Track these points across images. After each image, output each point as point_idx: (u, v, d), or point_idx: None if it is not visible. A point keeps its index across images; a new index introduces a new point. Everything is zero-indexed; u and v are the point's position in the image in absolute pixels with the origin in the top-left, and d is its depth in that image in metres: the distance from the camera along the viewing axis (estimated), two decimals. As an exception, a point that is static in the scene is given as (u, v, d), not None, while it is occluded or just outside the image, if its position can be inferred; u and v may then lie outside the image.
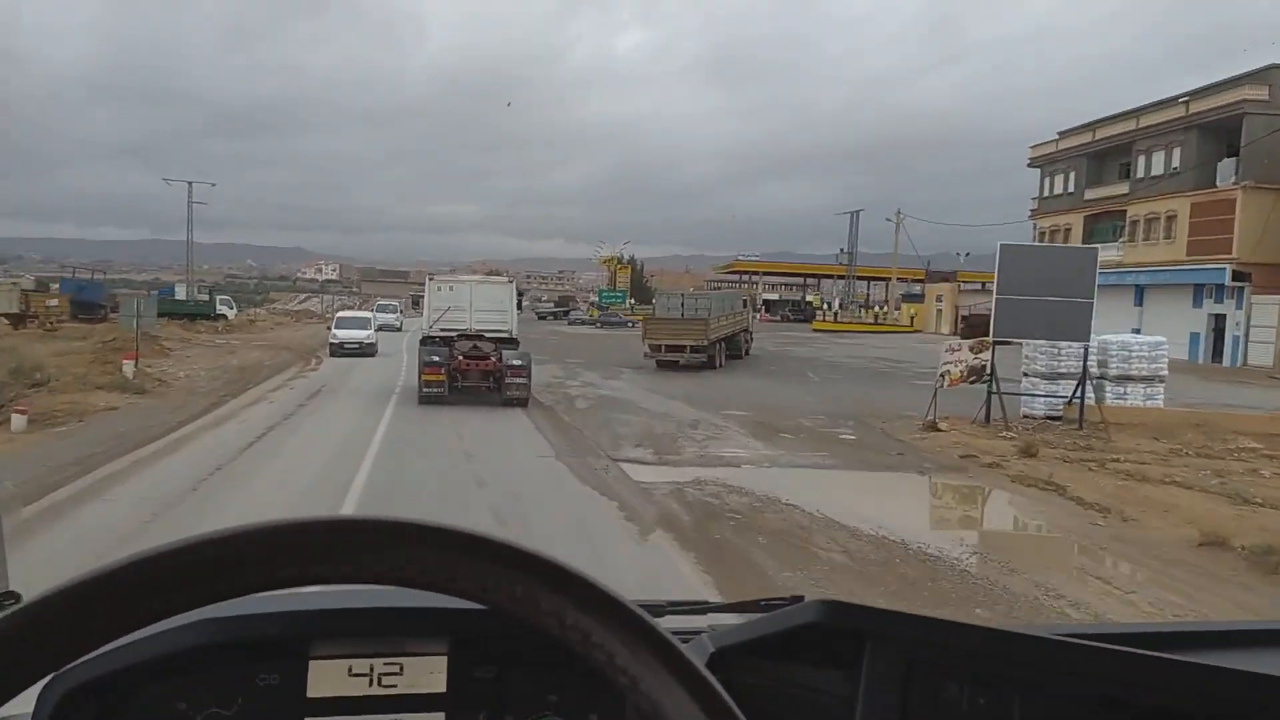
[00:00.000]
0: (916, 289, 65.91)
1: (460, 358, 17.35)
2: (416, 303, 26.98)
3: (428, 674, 1.05)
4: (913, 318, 61.97)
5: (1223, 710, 0.86)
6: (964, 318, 50.34)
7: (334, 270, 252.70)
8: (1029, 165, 48.25)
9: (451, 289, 18.79)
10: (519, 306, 19.59)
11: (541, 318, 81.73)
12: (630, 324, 61.51)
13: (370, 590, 0.95)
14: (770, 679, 1.02)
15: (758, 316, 50.88)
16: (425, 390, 16.94)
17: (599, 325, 65.08)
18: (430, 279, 19.45)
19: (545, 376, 22.37)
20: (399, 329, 44.49)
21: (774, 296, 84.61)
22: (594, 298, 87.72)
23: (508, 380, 16.89)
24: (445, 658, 1.05)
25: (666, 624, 1.10)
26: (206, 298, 53.39)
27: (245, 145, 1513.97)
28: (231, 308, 55.64)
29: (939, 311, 60.94)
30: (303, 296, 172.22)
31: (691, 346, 26.99)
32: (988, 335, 16.71)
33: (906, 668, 0.92)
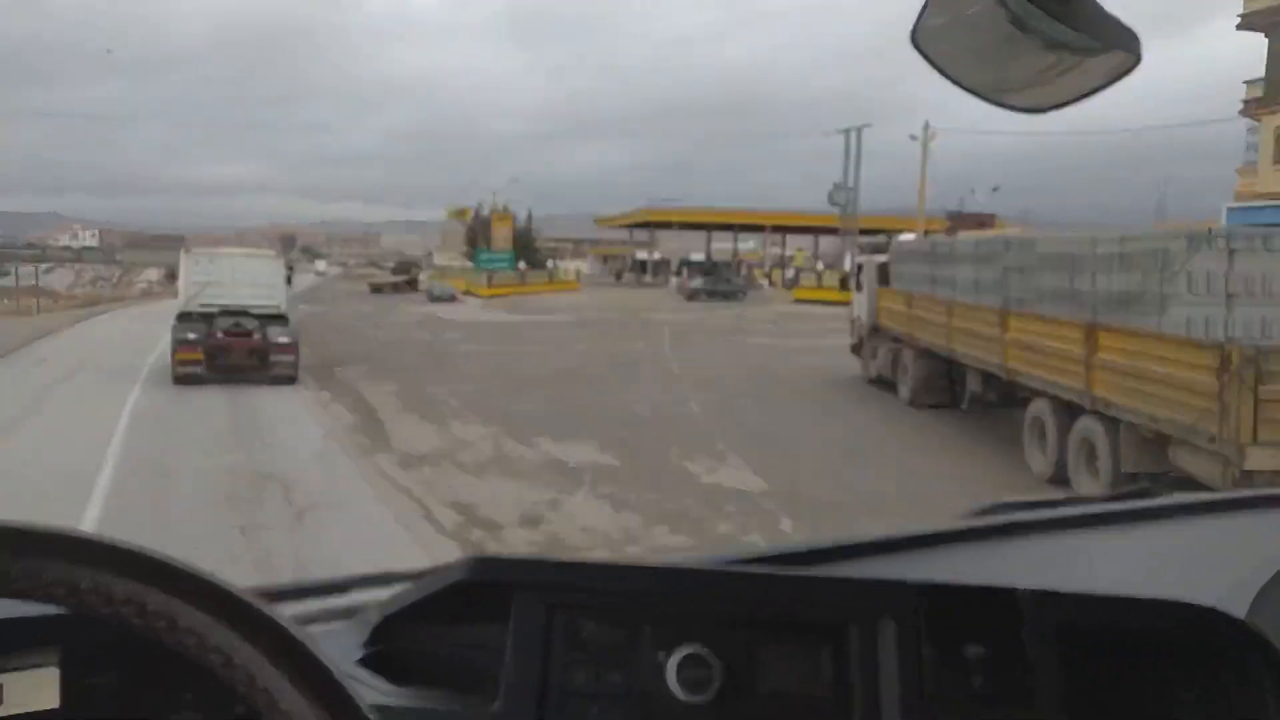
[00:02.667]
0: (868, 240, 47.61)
1: (220, 335, 16.66)
2: (173, 276, 24.60)
3: (35, 690, 0.91)
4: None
5: (842, 616, 0.95)
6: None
7: (93, 235, 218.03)
8: (1239, 28, 29.81)
9: (211, 262, 18.06)
10: (288, 280, 18.84)
11: (377, 290, 58.93)
12: (743, 293, 43.91)
13: None
14: (430, 642, 1.03)
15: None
16: (180, 370, 16.37)
17: (702, 296, 44.88)
18: (186, 252, 19.04)
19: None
20: None
21: (698, 256, 65.05)
22: (438, 259, 66.19)
23: (273, 358, 16.56)
24: (56, 669, 0.93)
25: (323, 603, 1.17)
26: None
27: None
28: None
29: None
30: (45, 267, 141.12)
31: None
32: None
33: (548, 612, 0.95)
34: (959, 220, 45.83)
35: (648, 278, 70.25)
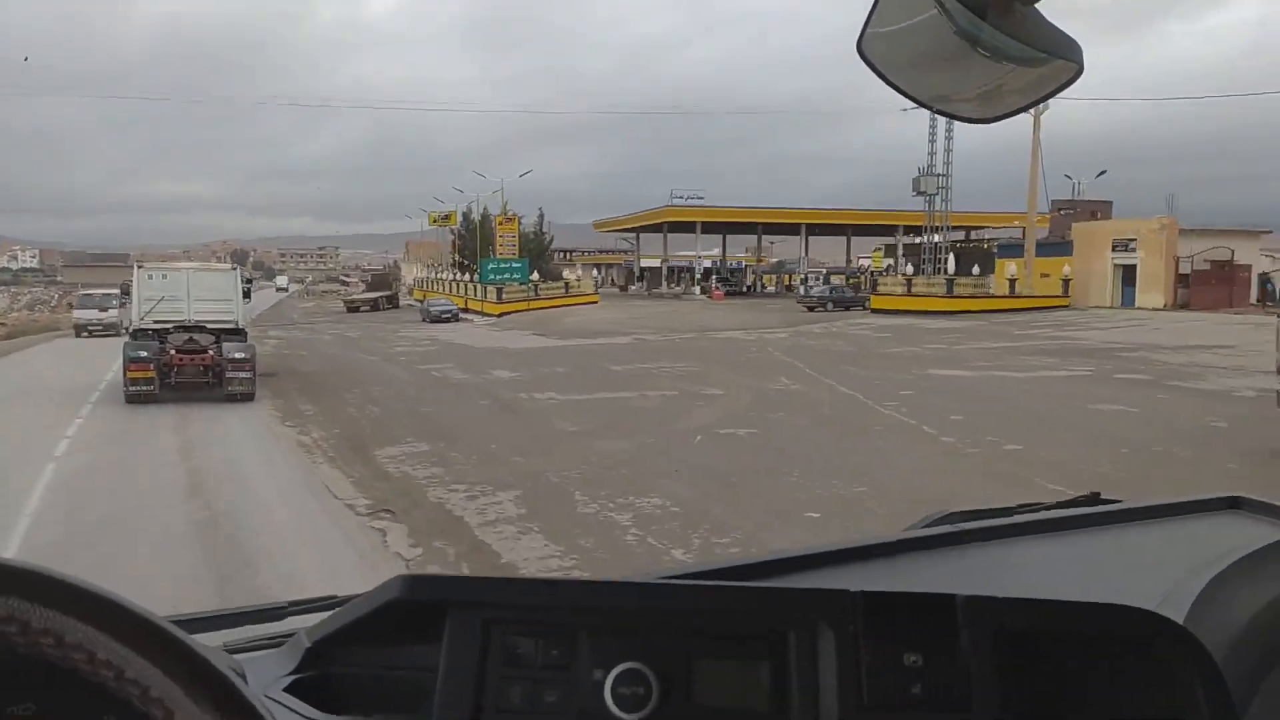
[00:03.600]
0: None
1: (173, 352, 16.06)
2: (126, 292, 20.91)
3: None
4: (1013, 281, 36.96)
5: (780, 625, 0.94)
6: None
7: (33, 256, 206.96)
8: None
9: (165, 277, 17.36)
10: (246, 295, 18.08)
11: (354, 309, 50.99)
12: (864, 303, 38.00)
13: None
14: (363, 665, 1.00)
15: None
16: (131, 389, 15.51)
17: (828, 306, 39.23)
18: (139, 266, 17.96)
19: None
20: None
21: (707, 262, 57.55)
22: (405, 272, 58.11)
23: (229, 374, 15.76)
24: None
25: (255, 629, 1.17)
26: None
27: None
28: None
29: (1118, 268, 36.50)
30: None
31: None
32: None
33: (483, 629, 0.94)
34: (1070, 210, 39.07)
35: (663, 287, 62.70)
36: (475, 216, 57.90)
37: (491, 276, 42.99)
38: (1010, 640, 0.94)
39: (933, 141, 38.79)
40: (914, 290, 36.68)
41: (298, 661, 1.00)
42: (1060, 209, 40.33)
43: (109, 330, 31.39)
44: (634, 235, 64.84)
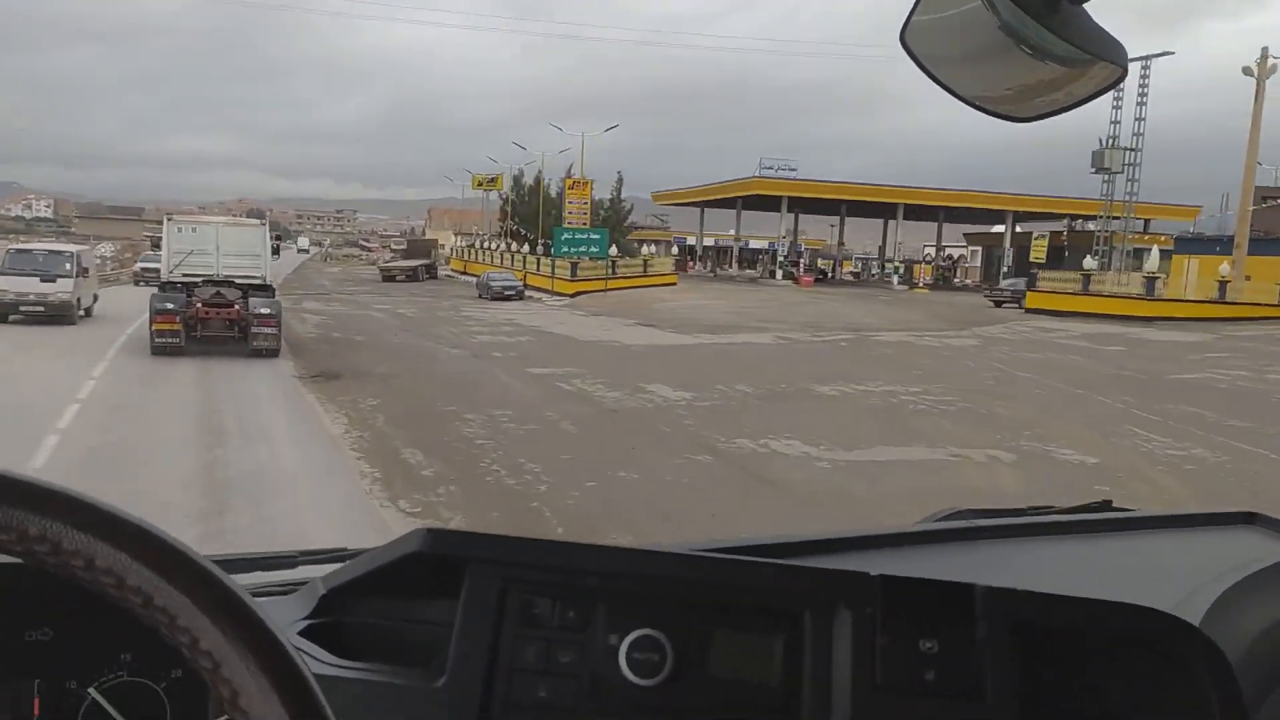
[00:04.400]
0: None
1: (199, 305, 15.87)
2: (156, 245, 22.34)
3: None
4: (1223, 283, 29.86)
5: (798, 604, 0.94)
6: None
7: (47, 206, 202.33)
8: None
9: (194, 230, 17.01)
10: (275, 252, 18.25)
11: (389, 278, 45.31)
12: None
13: None
14: (378, 615, 1.00)
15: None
16: (157, 340, 15.33)
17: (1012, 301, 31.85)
18: (169, 219, 17.53)
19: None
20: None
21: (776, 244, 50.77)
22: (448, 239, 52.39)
23: (255, 329, 15.49)
24: None
25: (268, 576, 1.18)
26: None
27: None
28: None
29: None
30: None
31: None
32: None
33: (501, 588, 0.93)
34: (1277, 200, 32.57)
35: (731, 269, 56.28)
36: (533, 180, 51.19)
37: (565, 249, 36.20)
38: (1026, 633, 0.94)
39: (1117, 109, 32.03)
40: (1093, 288, 30.01)
41: (312, 608, 0.99)
42: (1265, 197, 33.65)
43: (51, 314, 19.13)
44: (697, 210, 58.10)
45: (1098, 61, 0.74)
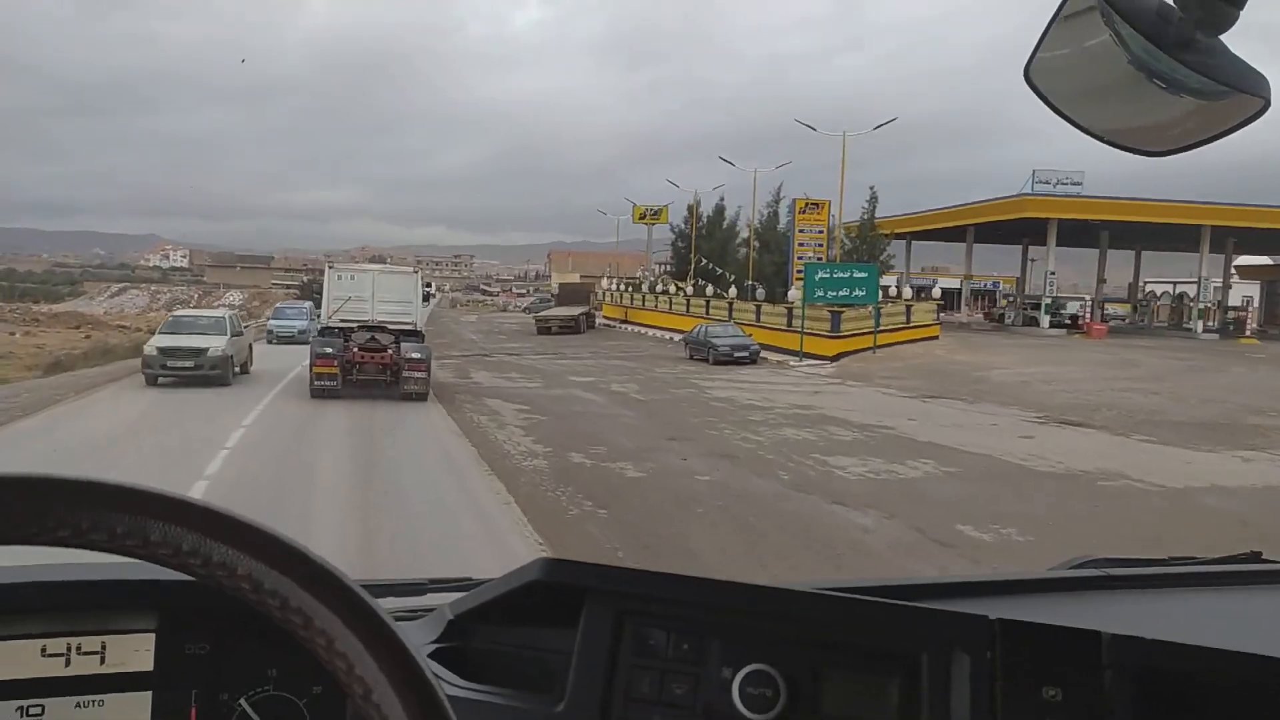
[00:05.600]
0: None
1: (355, 350, 16.19)
2: (312, 293, 23.49)
3: (133, 652, 0.99)
4: None
5: (915, 646, 0.92)
6: None
7: (183, 256, 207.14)
8: None
9: (353, 278, 17.36)
10: (426, 299, 19.40)
11: (545, 329, 37.46)
12: None
13: (66, 564, 0.93)
14: (500, 641, 1.02)
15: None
16: (316, 384, 15.78)
17: None
18: (330, 267, 18.11)
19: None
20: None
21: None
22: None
23: (405, 374, 15.83)
24: (153, 635, 0.99)
25: (398, 602, 1.22)
26: None
27: (98, 124, 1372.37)
28: None
29: None
30: (118, 287, 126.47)
31: None
32: None
33: (618, 618, 0.94)
34: None
35: (962, 313, 45.33)
36: (711, 211, 42.27)
37: (820, 293, 26.21)
38: (1156, 683, 0.90)
39: None
40: None
41: (440, 632, 1.03)
42: None
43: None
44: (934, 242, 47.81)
45: (1236, 94, 0.70)
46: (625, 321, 45.27)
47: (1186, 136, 0.75)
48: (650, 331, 39.75)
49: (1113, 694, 0.89)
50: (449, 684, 0.93)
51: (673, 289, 42.80)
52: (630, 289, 49.00)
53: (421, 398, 15.54)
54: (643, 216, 52.09)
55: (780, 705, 0.90)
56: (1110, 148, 0.77)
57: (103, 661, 0.96)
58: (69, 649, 0.96)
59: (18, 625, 0.95)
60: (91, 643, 0.97)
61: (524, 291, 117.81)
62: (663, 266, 54.55)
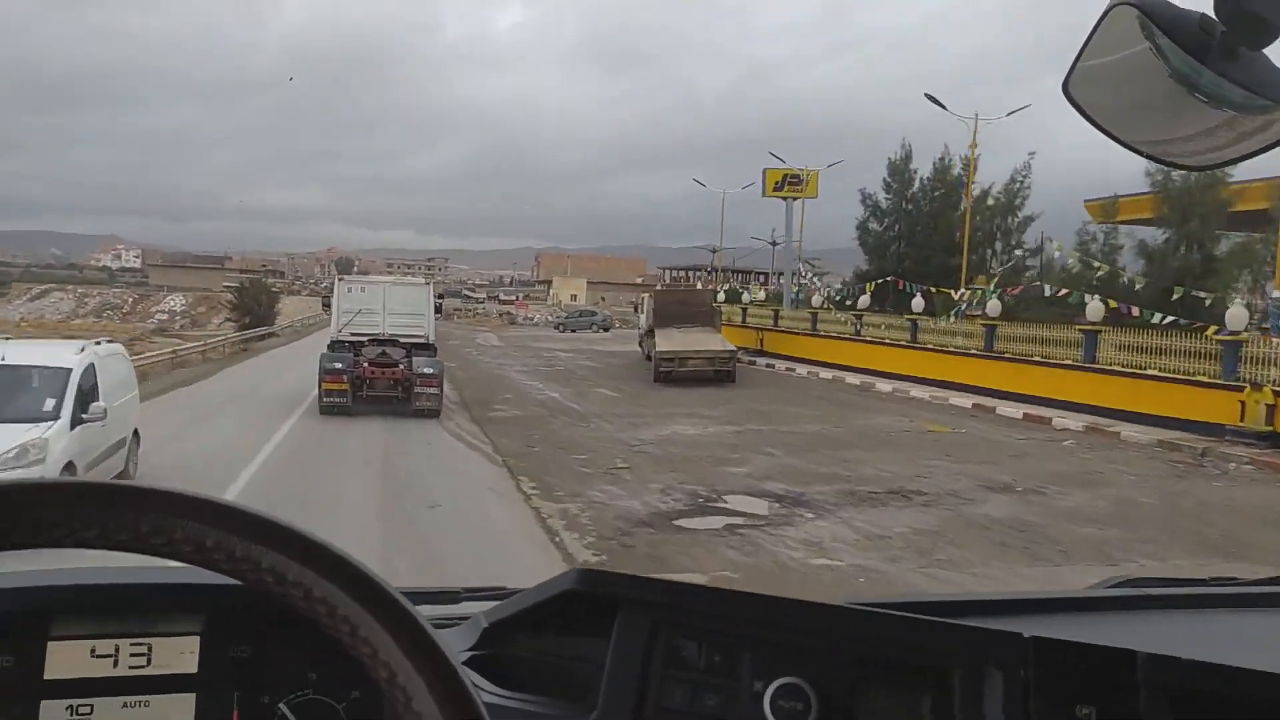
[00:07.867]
0: None
1: (366, 365, 15.97)
2: (326, 305, 22.59)
3: (178, 654, 1.01)
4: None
5: (947, 662, 0.93)
6: None
7: (136, 256, 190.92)
8: None
9: (363, 290, 17.39)
10: (437, 310, 18.56)
11: (666, 375, 21.24)
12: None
13: (118, 567, 0.97)
14: (533, 650, 1.03)
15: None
16: (325, 400, 15.63)
17: None
18: (340, 279, 18.54)
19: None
20: None
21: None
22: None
23: (417, 389, 15.68)
24: (198, 637, 1.02)
25: (433, 609, 1.23)
26: None
27: (61, 121, 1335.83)
28: None
29: None
30: (40, 289, 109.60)
31: None
32: None
33: (650, 629, 0.95)
34: None
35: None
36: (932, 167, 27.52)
37: None
38: (1192, 705, 0.89)
39: None
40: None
41: (475, 640, 1.04)
42: None
43: None
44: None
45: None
46: (760, 353, 30.05)
47: (1229, 151, 0.74)
48: (824, 373, 24.83)
49: (1148, 715, 0.88)
50: (484, 691, 0.93)
51: (864, 301, 27.70)
52: (766, 302, 33.86)
53: (434, 414, 15.39)
54: (779, 186, 36.62)
55: (812, 719, 0.90)
56: (1150, 161, 0.73)
57: (149, 663, 0.99)
58: (117, 650, 0.98)
59: (71, 626, 0.98)
60: (139, 644, 0.99)
61: (514, 297, 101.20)
62: (694, 274, 38.74)
